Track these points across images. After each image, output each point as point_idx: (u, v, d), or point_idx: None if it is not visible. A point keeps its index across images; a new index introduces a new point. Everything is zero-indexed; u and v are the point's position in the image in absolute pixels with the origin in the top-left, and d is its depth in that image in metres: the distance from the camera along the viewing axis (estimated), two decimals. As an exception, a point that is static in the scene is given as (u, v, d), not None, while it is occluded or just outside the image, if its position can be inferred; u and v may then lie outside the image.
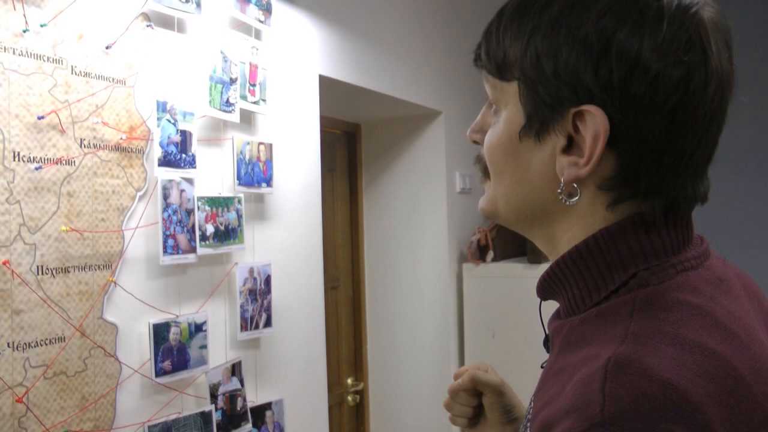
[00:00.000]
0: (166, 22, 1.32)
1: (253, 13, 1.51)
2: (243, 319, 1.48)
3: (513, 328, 2.42)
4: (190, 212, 1.34)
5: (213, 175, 1.44)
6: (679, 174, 0.53)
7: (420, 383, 2.58)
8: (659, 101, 0.50)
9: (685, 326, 0.48)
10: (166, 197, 1.28)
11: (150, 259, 1.29)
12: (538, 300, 0.64)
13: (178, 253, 1.30)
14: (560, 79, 0.52)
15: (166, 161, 1.29)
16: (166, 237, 1.28)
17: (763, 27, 3.34)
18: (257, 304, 1.52)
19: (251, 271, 1.51)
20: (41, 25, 1.09)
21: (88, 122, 1.17)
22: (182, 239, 1.32)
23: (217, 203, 1.40)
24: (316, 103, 1.80)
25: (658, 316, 0.49)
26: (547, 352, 0.64)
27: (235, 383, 1.45)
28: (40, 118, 1.09)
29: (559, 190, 0.55)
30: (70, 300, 1.14)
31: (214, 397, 1.39)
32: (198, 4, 1.36)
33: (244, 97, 1.49)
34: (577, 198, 0.55)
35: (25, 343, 1.06)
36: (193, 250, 1.34)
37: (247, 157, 1.50)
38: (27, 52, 1.08)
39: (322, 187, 1.83)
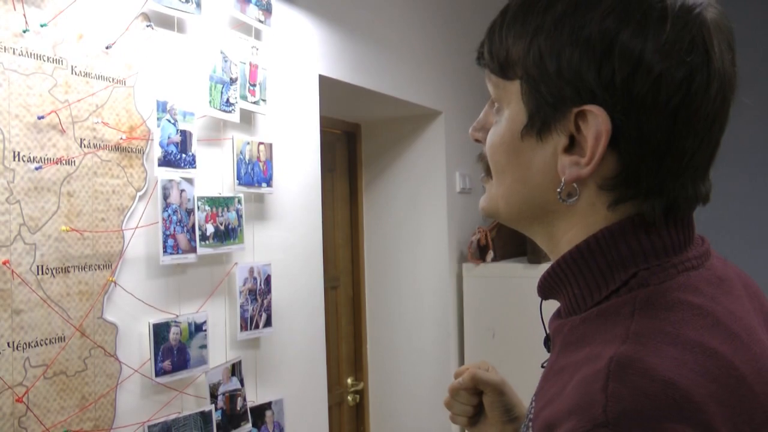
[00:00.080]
0: (166, 22, 1.32)
1: (253, 13, 1.51)
2: (243, 318, 1.48)
3: (513, 328, 2.42)
4: (190, 212, 1.34)
5: (213, 175, 1.44)
6: (680, 175, 0.53)
7: (420, 383, 2.58)
8: (661, 102, 0.50)
9: (687, 326, 0.48)
10: (166, 197, 1.28)
11: (150, 259, 1.29)
12: (539, 300, 0.64)
13: (178, 253, 1.30)
14: (563, 79, 0.52)
15: (166, 161, 1.29)
16: (166, 237, 1.28)
17: (764, 27, 3.34)
18: (257, 304, 1.52)
19: (251, 271, 1.51)
20: (41, 25, 1.09)
21: (88, 122, 1.17)
22: (182, 239, 1.32)
23: (217, 203, 1.40)
24: (316, 103, 1.80)
25: (659, 315, 0.49)
26: (548, 351, 0.64)
27: (235, 383, 1.45)
28: (40, 118, 1.09)
29: (558, 190, 0.55)
30: (70, 300, 1.14)
31: (214, 396, 1.39)
32: (198, 4, 1.36)
33: (244, 97, 1.49)
34: (575, 198, 0.55)
35: (25, 343, 1.06)
36: (193, 250, 1.34)
37: (247, 157, 1.50)
38: (27, 52, 1.08)
39: (322, 187, 1.83)
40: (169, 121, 1.30)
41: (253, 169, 1.51)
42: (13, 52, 1.06)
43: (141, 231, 1.27)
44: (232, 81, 1.45)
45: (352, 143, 2.66)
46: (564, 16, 0.52)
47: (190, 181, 1.34)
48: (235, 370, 1.46)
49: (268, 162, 1.56)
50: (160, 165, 1.28)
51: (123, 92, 1.23)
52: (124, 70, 1.24)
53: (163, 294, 1.31)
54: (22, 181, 1.07)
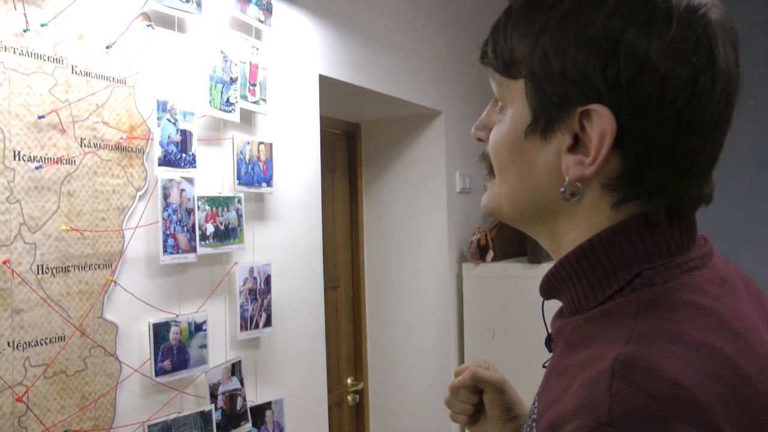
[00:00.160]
0: (166, 21, 1.32)
1: (253, 12, 1.51)
2: (243, 318, 1.48)
3: (513, 328, 2.41)
4: (190, 212, 1.33)
5: (213, 174, 1.44)
6: (685, 175, 0.53)
7: (420, 383, 2.58)
8: (666, 102, 0.50)
9: (691, 326, 0.48)
10: (166, 197, 1.28)
11: (150, 258, 1.28)
12: (539, 300, 0.64)
13: (178, 252, 1.30)
14: (568, 78, 0.52)
15: (166, 161, 1.29)
16: (166, 236, 1.28)
17: (766, 27, 3.34)
18: (257, 304, 1.52)
19: (251, 270, 1.51)
20: (42, 25, 1.09)
21: (88, 122, 1.17)
22: (182, 239, 1.32)
23: (217, 203, 1.40)
24: (316, 102, 1.80)
25: (663, 315, 0.49)
26: (549, 351, 0.64)
27: (234, 383, 1.45)
28: (40, 117, 1.09)
29: (562, 189, 0.55)
30: (70, 299, 1.14)
31: (213, 396, 1.39)
32: (198, 4, 1.36)
33: (244, 97, 1.49)
34: (579, 197, 0.55)
35: (25, 343, 1.06)
36: (193, 249, 1.34)
37: (247, 156, 1.50)
38: (27, 51, 1.07)
39: (322, 187, 1.83)
40: (170, 120, 1.30)
41: (253, 168, 1.51)
42: (14, 52, 1.06)
43: (141, 230, 1.27)
44: (233, 81, 1.45)
45: (352, 143, 2.66)
46: (569, 15, 0.52)
47: (190, 180, 1.34)
48: (235, 369, 1.46)
49: (268, 162, 1.56)
50: (160, 164, 1.27)
51: (123, 92, 1.23)
52: (124, 70, 1.23)
53: (163, 294, 1.31)
54: (22, 181, 1.07)
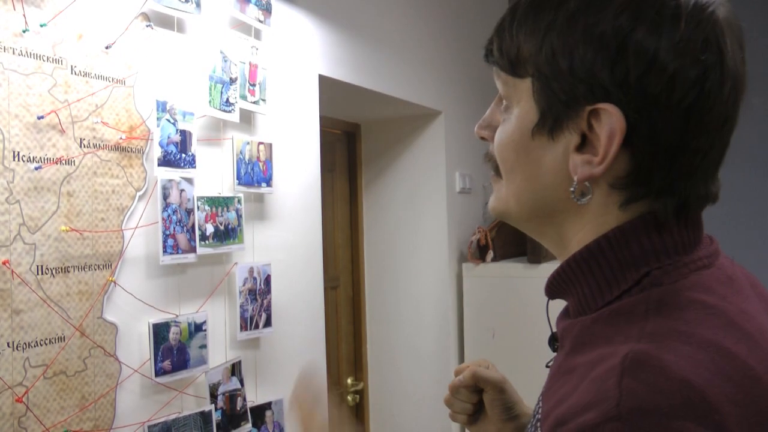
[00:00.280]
0: (165, 22, 1.32)
1: (253, 12, 1.51)
2: (243, 318, 1.48)
3: (513, 328, 2.41)
4: (189, 212, 1.33)
5: (213, 174, 1.43)
6: (693, 174, 0.53)
7: (420, 383, 2.57)
8: (675, 100, 0.50)
9: (701, 326, 0.48)
10: (165, 197, 1.28)
11: (150, 258, 1.28)
12: (539, 300, 0.64)
13: (177, 252, 1.30)
14: (576, 77, 0.52)
15: (165, 161, 1.28)
16: (165, 237, 1.28)
17: (764, 28, 3.34)
18: (257, 304, 1.52)
19: (251, 270, 1.51)
20: (41, 25, 1.09)
21: (87, 122, 1.17)
22: (182, 239, 1.31)
23: (217, 203, 1.40)
24: (316, 103, 1.80)
25: (672, 315, 0.49)
26: (553, 350, 0.63)
27: (234, 383, 1.45)
28: (39, 117, 1.09)
29: (571, 189, 0.54)
30: (70, 300, 1.14)
31: (213, 396, 1.39)
32: (198, 4, 1.35)
33: (243, 97, 1.48)
34: (589, 197, 0.55)
35: (24, 343, 1.06)
36: (193, 249, 1.33)
37: (247, 156, 1.49)
38: (27, 52, 1.07)
39: (322, 187, 1.82)
40: (169, 120, 1.29)
41: (252, 168, 1.51)
42: (13, 52, 1.05)
43: (141, 231, 1.26)
44: (232, 81, 1.45)
45: (351, 143, 2.66)
46: (577, 13, 0.52)
47: (189, 180, 1.33)
48: (235, 370, 1.45)
49: (268, 162, 1.56)
50: (159, 165, 1.27)
51: (123, 92, 1.23)
52: (123, 70, 1.23)
53: (162, 294, 1.31)
54: (21, 181, 1.06)
